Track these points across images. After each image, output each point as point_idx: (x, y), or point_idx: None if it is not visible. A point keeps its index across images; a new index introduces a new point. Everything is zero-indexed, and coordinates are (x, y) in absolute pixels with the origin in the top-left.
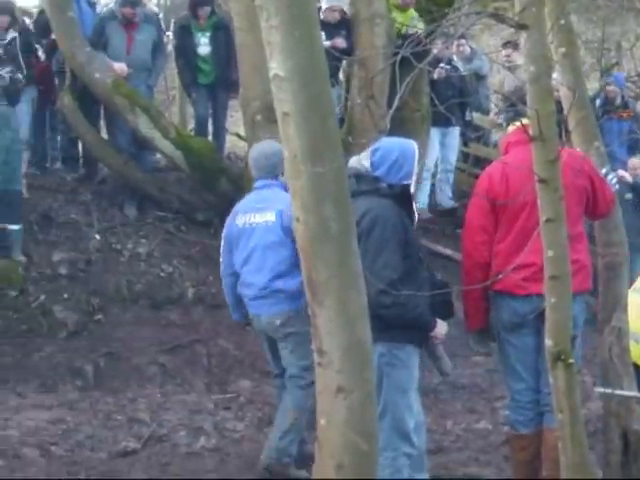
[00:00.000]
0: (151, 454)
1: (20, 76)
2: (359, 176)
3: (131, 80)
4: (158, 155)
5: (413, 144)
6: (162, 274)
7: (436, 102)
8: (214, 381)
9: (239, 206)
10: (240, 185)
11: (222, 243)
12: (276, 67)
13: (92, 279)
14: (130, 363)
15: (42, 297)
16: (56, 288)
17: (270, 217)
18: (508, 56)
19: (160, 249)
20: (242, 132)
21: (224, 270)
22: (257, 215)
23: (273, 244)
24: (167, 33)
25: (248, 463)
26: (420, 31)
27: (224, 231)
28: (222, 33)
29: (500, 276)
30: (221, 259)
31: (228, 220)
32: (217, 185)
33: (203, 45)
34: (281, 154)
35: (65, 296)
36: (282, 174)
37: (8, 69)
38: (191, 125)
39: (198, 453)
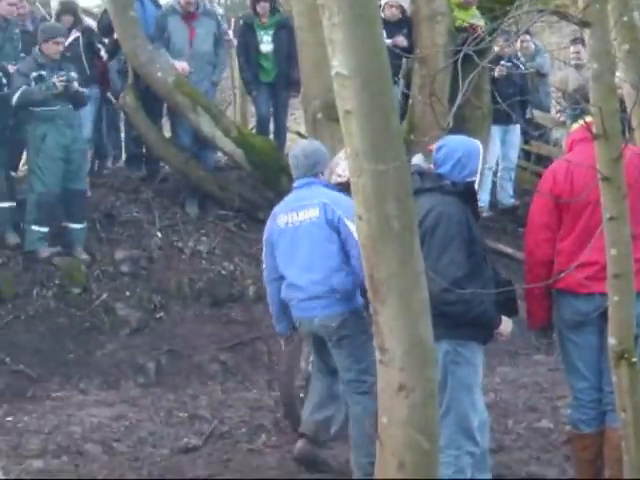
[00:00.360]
0: (212, 451)
1: (76, 85)
2: (422, 173)
3: (195, 74)
4: (219, 153)
5: (477, 143)
6: (223, 272)
7: (498, 100)
8: (275, 378)
9: (278, 208)
10: None
11: (263, 248)
12: (338, 65)
13: (154, 277)
14: (191, 360)
15: (104, 295)
16: (118, 286)
17: (313, 212)
18: (577, 52)
19: (221, 247)
20: (303, 130)
21: (268, 275)
22: (299, 213)
23: (320, 240)
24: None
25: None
26: (481, 27)
27: (265, 235)
28: (285, 32)
29: (562, 274)
30: (263, 265)
31: (268, 223)
32: (278, 183)
33: (265, 43)
34: (321, 153)
35: (127, 294)
36: (322, 173)
37: (64, 78)
38: (252, 124)
39: (259, 450)
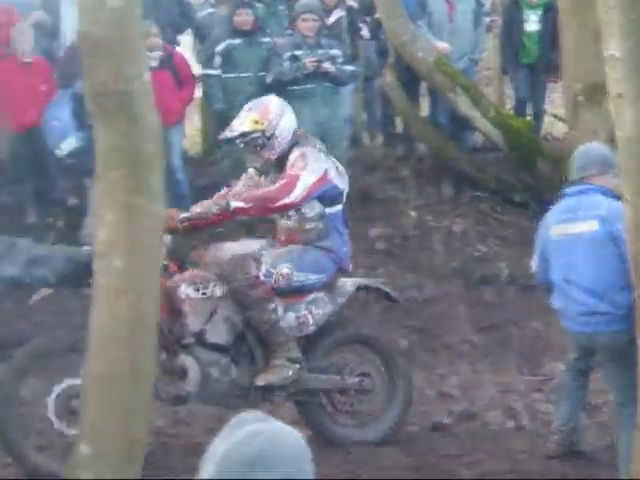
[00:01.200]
0: (461, 430)
1: (327, 65)
2: None
3: (455, 51)
4: (475, 134)
5: None
6: (476, 253)
7: None
8: (525, 362)
9: (550, 217)
10: (557, 168)
11: (535, 256)
12: (612, 48)
13: (407, 255)
14: (441, 340)
15: (360, 271)
16: (372, 263)
17: (592, 226)
18: None
19: (475, 228)
20: (559, 113)
21: (537, 275)
22: (576, 225)
23: (604, 256)
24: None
25: (560, 446)
26: None
27: (536, 243)
28: (552, 14)
29: None
30: (534, 267)
31: (539, 232)
32: (534, 166)
33: (532, 22)
34: (594, 155)
35: (380, 271)
36: (596, 176)
37: (314, 59)
38: (507, 105)
39: (508, 433)
